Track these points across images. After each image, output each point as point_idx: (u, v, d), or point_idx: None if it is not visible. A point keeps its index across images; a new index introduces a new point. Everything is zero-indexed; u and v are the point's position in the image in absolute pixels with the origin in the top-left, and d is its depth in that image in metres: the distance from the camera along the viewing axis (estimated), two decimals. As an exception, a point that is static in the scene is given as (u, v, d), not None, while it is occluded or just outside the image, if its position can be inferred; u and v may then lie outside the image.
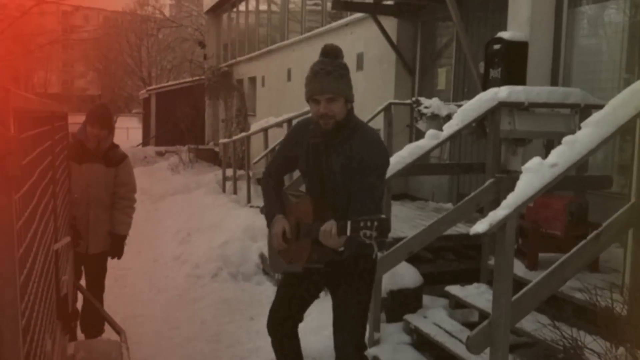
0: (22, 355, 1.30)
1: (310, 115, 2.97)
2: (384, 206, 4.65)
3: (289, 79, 12.57)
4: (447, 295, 4.62)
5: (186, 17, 31.83)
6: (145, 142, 21.95)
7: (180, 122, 17.36)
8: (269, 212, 3.03)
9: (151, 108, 22.36)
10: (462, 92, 7.39)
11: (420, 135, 5.82)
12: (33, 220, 1.79)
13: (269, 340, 4.64)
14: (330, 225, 2.65)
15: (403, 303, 4.57)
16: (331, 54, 2.90)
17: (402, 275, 4.66)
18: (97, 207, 4.33)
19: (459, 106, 5.33)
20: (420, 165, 6.44)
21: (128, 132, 33.28)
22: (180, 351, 4.63)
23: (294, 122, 4.24)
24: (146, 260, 7.29)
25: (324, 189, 2.95)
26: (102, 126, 4.26)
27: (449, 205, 6.91)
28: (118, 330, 3.35)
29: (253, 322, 5.17)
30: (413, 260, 4.97)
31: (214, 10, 19.63)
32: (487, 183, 4.34)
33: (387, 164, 2.97)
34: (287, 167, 3.20)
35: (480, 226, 2.97)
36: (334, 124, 2.83)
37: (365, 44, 9.09)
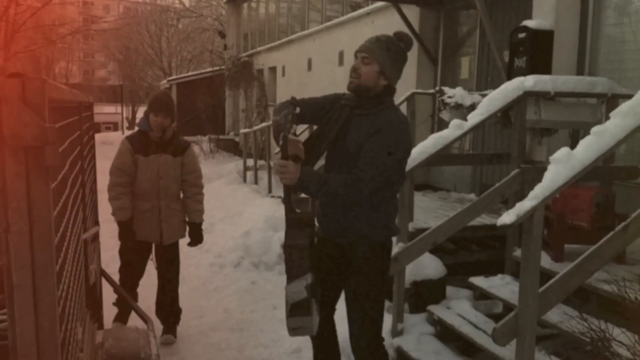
0: (59, 343, 1.31)
1: None
2: (407, 195, 4.67)
3: (309, 68, 12.54)
4: (470, 287, 4.60)
5: (206, 7, 31.84)
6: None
7: (201, 112, 17.44)
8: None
9: (173, 95, 22.47)
10: (485, 82, 7.32)
11: (442, 125, 5.77)
12: (65, 210, 1.81)
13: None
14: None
15: (426, 294, 4.55)
16: (402, 40, 2.92)
17: (426, 266, 4.64)
18: (167, 197, 4.31)
19: (483, 96, 5.28)
20: (443, 156, 6.39)
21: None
22: (205, 339, 4.67)
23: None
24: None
25: (328, 157, 2.96)
26: (166, 114, 4.24)
27: (472, 196, 6.86)
28: (145, 319, 3.38)
29: (276, 311, 5.20)
30: (436, 251, 4.95)
31: (234, 0, 19.63)
32: (512, 173, 4.31)
33: (403, 148, 2.86)
34: (314, 108, 3.06)
35: (507, 217, 2.95)
36: (356, 86, 2.85)
37: (387, 33, 9.02)
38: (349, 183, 2.76)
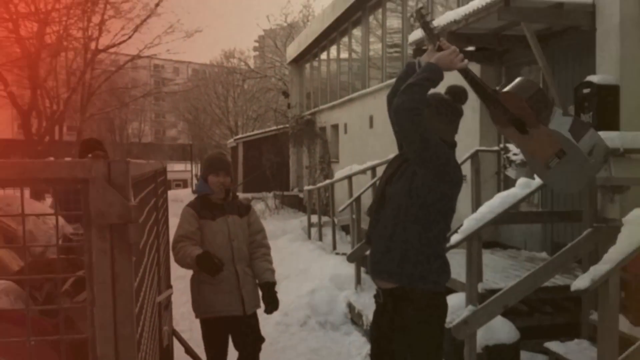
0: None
1: None
2: (475, 255, 4.58)
3: (370, 125, 12.69)
4: (546, 352, 4.42)
5: (270, 68, 33.00)
6: (233, 189, 22.68)
7: (266, 169, 17.82)
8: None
9: (238, 156, 23.13)
10: (552, 137, 7.18)
11: (508, 183, 5.67)
12: (144, 277, 1.89)
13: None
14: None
15: (499, 359, 4.39)
16: (450, 93, 2.97)
17: (497, 330, 4.49)
18: (241, 261, 3.99)
19: (550, 152, 5.18)
20: (512, 214, 6.26)
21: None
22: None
23: (378, 169, 4.30)
24: (235, 307, 7.41)
25: (384, 196, 2.97)
26: (226, 173, 4.03)
27: (543, 255, 6.65)
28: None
29: (342, 373, 5.13)
30: (508, 312, 4.79)
31: (297, 61, 20.26)
32: (585, 233, 4.17)
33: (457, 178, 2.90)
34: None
35: (581, 282, 2.86)
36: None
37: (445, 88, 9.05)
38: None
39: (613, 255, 2.88)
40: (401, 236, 2.81)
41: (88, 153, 4.08)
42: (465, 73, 2.89)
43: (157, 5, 23.19)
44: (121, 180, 1.32)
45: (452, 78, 2.99)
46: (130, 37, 23.74)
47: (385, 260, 2.88)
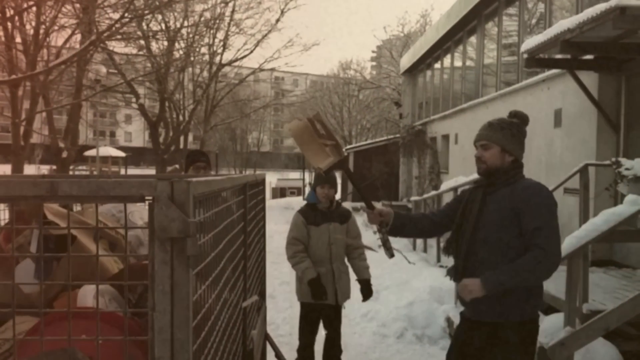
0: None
1: None
2: (578, 273, 4.38)
3: (482, 136, 12.37)
4: (652, 380, 4.12)
5: (384, 78, 33.11)
6: (343, 198, 22.93)
7: (375, 179, 17.89)
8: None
9: (349, 165, 23.35)
10: (675, 150, 6.67)
11: (621, 199, 5.35)
12: (217, 285, 2.04)
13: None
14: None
15: (599, 386, 4.16)
16: (516, 117, 3.15)
17: (598, 353, 4.26)
18: (338, 261, 4.82)
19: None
20: (623, 232, 5.90)
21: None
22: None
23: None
24: (336, 315, 7.54)
25: (474, 240, 3.00)
26: (331, 186, 4.80)
27: (661, 276, 6.17)
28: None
29: (435, 388, 5.08)
30: (614, 336, 4.53)
31: (410, 71, 20.19)
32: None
33: (550, 203, 2.95)
34: (446, 215, 3.30)
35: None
36: (485, 170, 3.04)
37: (563, 99, 8.66)
38: (540, 259, 2.83)
39: None
40: None
41: (192, 164, 4.43)
42: None
43: (277, 21, 24.18)
44: (182, 198, 1.46)
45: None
46: (251, 52, 24.95)
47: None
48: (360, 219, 16.78)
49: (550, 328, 4.61)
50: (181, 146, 24.84)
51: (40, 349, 1.63)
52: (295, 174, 52.63)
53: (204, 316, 1.76)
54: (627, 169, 5.28)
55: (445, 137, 15.67)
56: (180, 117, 24.38)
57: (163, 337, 1.42)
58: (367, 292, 4.89)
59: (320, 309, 4.82)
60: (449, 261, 3.31)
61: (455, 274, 3.12)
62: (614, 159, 5.74)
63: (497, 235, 2.93)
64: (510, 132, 3.03)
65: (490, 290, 2.85)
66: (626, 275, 6.46)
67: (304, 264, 4.69)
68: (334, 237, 4.77)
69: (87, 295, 2.30)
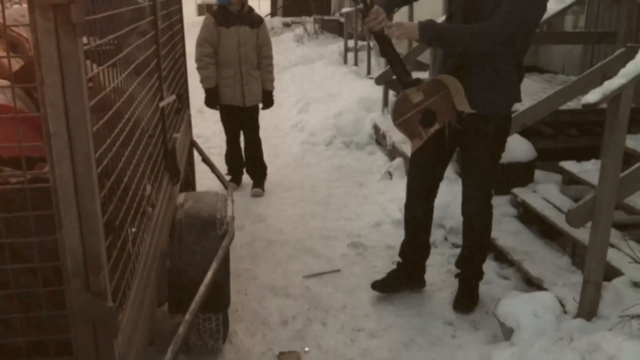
0: (95, 185, 1.43)
1: None
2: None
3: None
4: (561, 171, 4.42)
5: None
6: (273, 13, 21.98)
7: (307, -8, 17.13)
8: None
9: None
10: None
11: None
12: (121, 72, 1.91)
13: (374, 204, 4.80)
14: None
15: (512, 177, 4.43)
16: None
17: (514, 149, 4.48)
18: (247, 64, 4.95)
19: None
20: (550, 33, 5.95)
21: (259, 3, 33.39)
22: (292, 210, 4.91)
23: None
24: (267, 126, 7.57)
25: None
26: None
27: (580, 79, 6.37)
28: (225, 184, 3.60)
29: (361, 187, 5.33)
30: (531, 134, 4.76)
31: None
32: (616, 52, 3.93)
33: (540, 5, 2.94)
34: None
35: (591, 96, 2.74)
36: None
37: None
38: (482, 31, 2.86)
39: (630, 69, 2.72)
40: None
41: None
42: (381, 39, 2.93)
43: None
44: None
45: None
46: None
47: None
48: (287, 36, 16.22)
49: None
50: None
51: None
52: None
53: (108, 101, 1.66)
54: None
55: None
56: None
57: (57, 112, 1.32)
58: (267, 101, 5.16)
59: (231, 110, 5.08)
60: (378, 73, 3.28)
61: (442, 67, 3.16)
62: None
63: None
64: None
65: (424, 35, 2.88)
66: (547, 80, 6.65)
67: (207, 71, 4.87)
68: (243, 40, 4.89)
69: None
